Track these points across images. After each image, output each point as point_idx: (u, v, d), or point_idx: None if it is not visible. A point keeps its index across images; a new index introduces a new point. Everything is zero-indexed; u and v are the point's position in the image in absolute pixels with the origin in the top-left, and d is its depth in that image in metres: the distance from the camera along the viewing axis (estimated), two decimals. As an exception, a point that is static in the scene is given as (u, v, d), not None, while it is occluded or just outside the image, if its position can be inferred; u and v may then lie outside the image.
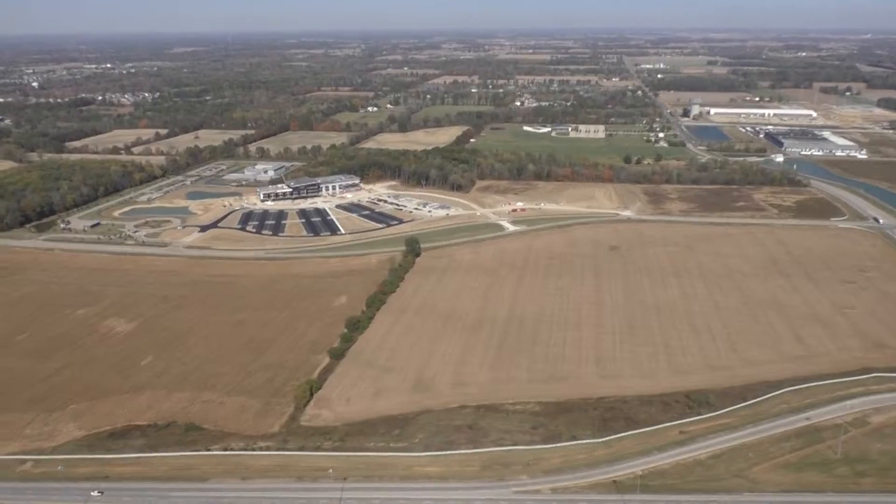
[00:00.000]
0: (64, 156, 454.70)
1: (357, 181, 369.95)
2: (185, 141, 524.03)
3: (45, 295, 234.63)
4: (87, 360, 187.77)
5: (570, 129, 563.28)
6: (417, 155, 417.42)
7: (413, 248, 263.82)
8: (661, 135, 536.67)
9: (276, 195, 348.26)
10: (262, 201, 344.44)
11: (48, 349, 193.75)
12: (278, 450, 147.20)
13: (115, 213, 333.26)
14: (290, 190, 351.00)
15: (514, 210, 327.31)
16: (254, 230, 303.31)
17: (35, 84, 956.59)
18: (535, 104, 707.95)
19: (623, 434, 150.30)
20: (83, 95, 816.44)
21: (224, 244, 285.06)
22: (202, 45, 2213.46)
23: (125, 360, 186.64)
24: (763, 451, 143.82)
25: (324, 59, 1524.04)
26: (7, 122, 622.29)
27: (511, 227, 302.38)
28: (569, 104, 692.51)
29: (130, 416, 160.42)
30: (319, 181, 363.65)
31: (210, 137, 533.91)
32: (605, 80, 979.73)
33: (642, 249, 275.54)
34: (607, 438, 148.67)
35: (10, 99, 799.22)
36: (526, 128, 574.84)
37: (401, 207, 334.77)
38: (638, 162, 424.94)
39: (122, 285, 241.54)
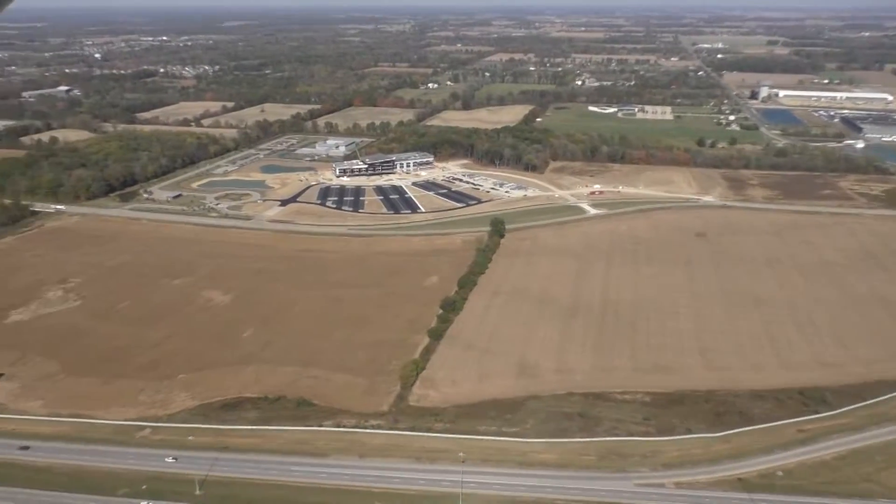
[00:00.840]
0: (137, 127, 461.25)
1: (431, 159, 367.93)
2: (251, 114, 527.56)
3: (140, 264, 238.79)
4: (190, 330, 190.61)
5: (636, 109, 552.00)
6: (489, 134, 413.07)
7: (498, 229, 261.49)
8: (731, 117, 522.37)
9: (352, 171, 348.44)
10: (338, 177, 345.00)
11: (151, 318, 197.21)
12: (390, 429, 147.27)
13: (194, 185, 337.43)
14: (366, 166, 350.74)
15: (593, 193, 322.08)
16: (334, 206, 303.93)
17: (98, 56, 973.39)
18: (596, 84, 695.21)
19: (739, 430, 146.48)
20: (145, 67, 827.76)
21: (307, 219, 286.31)
22: (252, 18, 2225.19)
23: (227, 332, 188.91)
24: (891, 455, 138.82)
25: (375, 34, 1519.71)
26: (76, 92, 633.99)
27: (592, 211, 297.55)
28: (631, 84, 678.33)
29: (240, 388, 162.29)
30: (394, 158, 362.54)
31: (275, 111, 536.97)
32: (664, 60, 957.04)
33: (730, 237, 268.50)
34: (724, 433, 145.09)
35: (75, 70, 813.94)
36: (591, 108, 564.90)
37: (477, 187, 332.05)
38: (712, 145, 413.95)
39: (214, 257, 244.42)
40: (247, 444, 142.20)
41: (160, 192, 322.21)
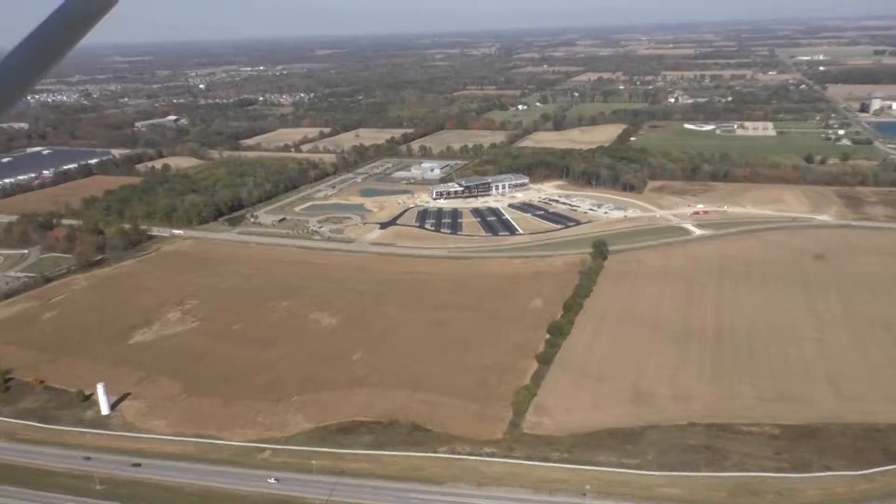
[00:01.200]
0: (241, 153, 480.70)
1: (526, 180, 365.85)
2: (346, 139, 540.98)
3: (250, 286, 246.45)
4: (301, 352, 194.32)
5: (735, 126, 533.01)
6: (584, 154, 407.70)
7: (601, 250, 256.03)
8: (841, 132, 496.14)
9: (448, 193, 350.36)
10: (435, 199, 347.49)
11: (264, 339, 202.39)
12: (504, 457, 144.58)
13: (297, 209, 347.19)
14: (462, 188, 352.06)
15: (697, 213, 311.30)
16: (432, 228, 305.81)
17: (202, 86, 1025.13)
18: (689, 101, 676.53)
19: (885, 468, 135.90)
20: (245, 96, 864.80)
21: (407, 242, 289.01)
22: (340, 46, 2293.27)
23: (337, 355, 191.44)
24: None
25: (461, 58, 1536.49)
26: (183, 121, 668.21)
27: (697, 231, 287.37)
28: (728, 100, 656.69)
29: (354, 411, 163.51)
30: (489, 180, 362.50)
31: (370, 136, 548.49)
32: (760, 74, 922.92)
33: (852, 258, 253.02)
34: (869, 472, 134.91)
35: (181, 100, 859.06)
36: (687, 125, 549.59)
37: (574, 208, 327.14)
38: (822, 162, 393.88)
39: (319, 280, 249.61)
40: (364, 469, 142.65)
41: (265, 216, 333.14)
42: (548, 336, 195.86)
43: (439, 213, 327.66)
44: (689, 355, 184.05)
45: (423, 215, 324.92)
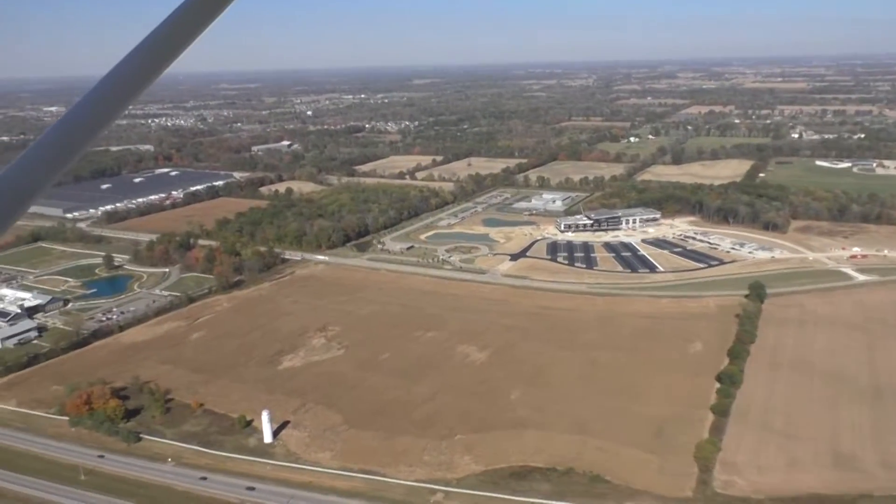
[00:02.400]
0: (360, 179, 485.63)
1: (657, 215, 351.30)
2: (458, 167, 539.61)
3: (389, 314, 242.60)
4: (455, 386, 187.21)
5: (874, 164, 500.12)
6: (716, 189, 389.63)
7: (758, 293, 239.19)
8: None
9: (577, 226, 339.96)
10: (563, 232, 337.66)
11: (414, 371, 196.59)
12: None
13: (422, 237, 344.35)
14: (591, 221, 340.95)
15: (854, 256, 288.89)
16: (565, 262, 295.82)
17: (309, 113, 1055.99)
18: (815, 136, 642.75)
19: None
20: (352, 123, 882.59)
21: (541, 275, 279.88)
22: (437, 76, 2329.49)
23: (492, 391, 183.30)
24: None
25: (559, 88, 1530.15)
26: (296, 146, 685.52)
27: (860, 276, 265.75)
28: (859, 137, 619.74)
29: (521, 454, 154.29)
30: (619, 213, 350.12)
31: (481, 165, 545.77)
32: (887, 110, 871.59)
33: None
34: None
35: (291, 126, 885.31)
36: (819, 162, 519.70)
37: (714, 246, 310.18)
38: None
39: (458, 311, 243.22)
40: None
41: (392, 242, 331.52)
42: (718, 385, 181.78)
43: (570, 246, 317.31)
44: (888, 416, 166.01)
45: (554, 248, 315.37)
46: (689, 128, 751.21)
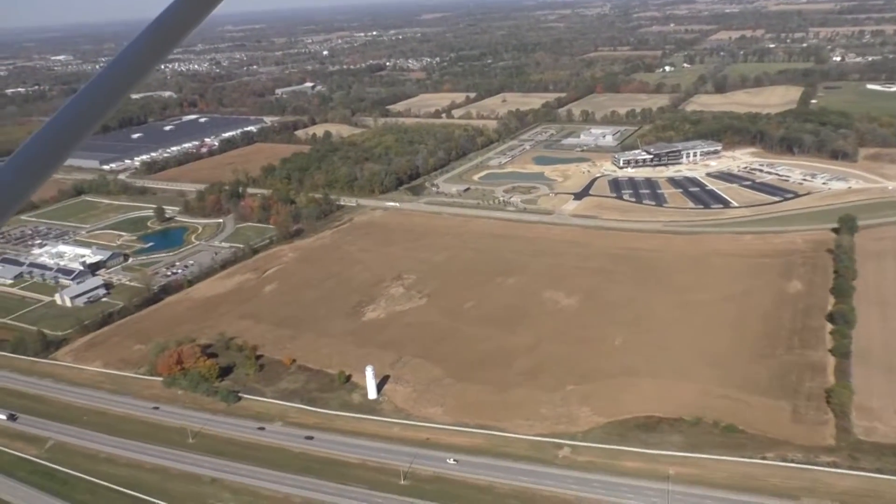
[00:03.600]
0: (396, 120, 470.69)
1: (719, 147, 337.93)
2: (493, 104, 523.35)
3: (463, 260, 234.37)
4: (553, 334, 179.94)
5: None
6: (775, 118, 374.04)
7: (850, 226, 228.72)
8: None
9: (636, 162, 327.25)
10: (621, 168, 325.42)
11: (505, 319, 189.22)
12: (850, 468, 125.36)
13: (475, 177, 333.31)
14: (651, 156, 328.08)
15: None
16: (632, 199, 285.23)
17: (325, 53, 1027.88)
18: (857, 59, 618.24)
19: None
20: (372, 62, 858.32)
21: (611, 214, 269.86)
22: (446, 10, 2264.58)
23: (594, 339, 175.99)
24: None
25: (576, 18, 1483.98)
26: (320, 88, 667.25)
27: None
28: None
29: (641, 404, 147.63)
30: (679, 147, 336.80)
31: (517, 101, 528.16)
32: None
33: None
34: None
35: (309, 67, 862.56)
36: (870, 86, 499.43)
37: (784, 178, 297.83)
38: None
39: (534, 255, 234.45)
40: (689, 476, 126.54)
41: (446, 185, 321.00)
42: (831, 326, 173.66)
43: (633, 182, 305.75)
44: None
45: (617, 185, 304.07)
46: (723, 54, 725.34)
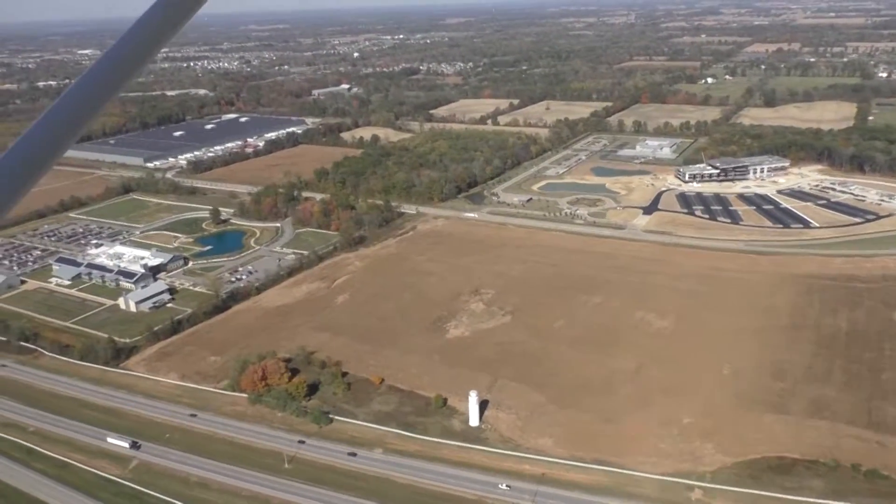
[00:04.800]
0: (443, 125, 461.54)
1: (786, 164, 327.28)
2: (536, 111, 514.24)
3: (541, 276, 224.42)
4: (653, 359, 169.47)
5: None
6: (840, 135, 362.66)
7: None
8: None
9: (702, 176, 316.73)
10: (687, 182, 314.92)
11: (598, 341, 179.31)
12: None
13: (534, 188, 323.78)
14: (717, 171, 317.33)
15: None
16: (705, 216, 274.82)
17: (356, 55, 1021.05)
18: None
19: None
20: (404, 65, 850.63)
21: (686, 230, 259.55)
22: (469, 15, 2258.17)
23: (698, 366, 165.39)
24: None
25: (604, 27, 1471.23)
26: (356, 90, 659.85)
27: None
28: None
29: (770, 444, 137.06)
30: (746, 162, 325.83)
31: (559, 108, 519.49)
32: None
33: None
34: None
35: (342, 69, 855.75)
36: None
37: (859, 198, 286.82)
38: None
39: (616, 271, 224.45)
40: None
41: (506, 194, 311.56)
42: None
43: (702, 198, 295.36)
44: None
45: (685, 200, 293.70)
46: (763, 67, 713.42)
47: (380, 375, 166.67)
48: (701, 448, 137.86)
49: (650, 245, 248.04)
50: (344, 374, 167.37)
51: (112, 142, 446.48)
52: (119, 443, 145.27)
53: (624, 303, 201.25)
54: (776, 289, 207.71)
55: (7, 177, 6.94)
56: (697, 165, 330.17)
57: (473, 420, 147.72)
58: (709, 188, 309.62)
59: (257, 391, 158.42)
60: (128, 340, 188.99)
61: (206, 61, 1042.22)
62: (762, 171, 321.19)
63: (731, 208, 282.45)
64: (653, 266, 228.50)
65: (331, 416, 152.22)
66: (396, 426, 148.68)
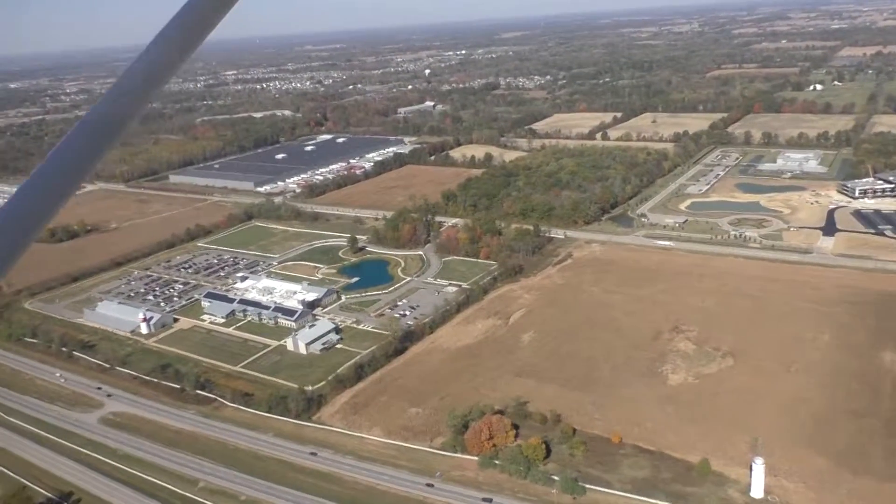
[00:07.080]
0: (554, 142, 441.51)
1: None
2: (642, 124, 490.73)
3: (739, 309, 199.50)
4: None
5: None
6: None
7: None
8: None
9: (873, 191, 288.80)
10: (857, 198, 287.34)
11: (854, 393, 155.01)
12: None
13: (681, 207, 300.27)
14: (891, 186, 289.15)
15: None
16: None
17: (427, 72, 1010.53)
18: None
19: None
20: (480, 80, 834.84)
21: (885, 254, 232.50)
22: (521, 28, 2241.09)
23: None
24: None
25: (672, 36, 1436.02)
26: (440, 107, 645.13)
27: None
28: None
29: None
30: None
31: (666, 121, 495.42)
32: None
33: None
34: None
35: (418, 86, 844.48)
36: None
37: None
38: None
39: (829, 304, 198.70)
40: None
41: (655, 215, 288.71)
42: None
43: (884, 216, 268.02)
44: None
45: (866, 219, 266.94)
46: (869, 72, 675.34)
47: (615, 432, 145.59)
48: None
49: (852, 272, 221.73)
50: (573, 431, 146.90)
51: (216, 166, 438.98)
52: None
53: (860, 342, 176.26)
54: None
55: (10, 231, 6.45)
56: (865, 180, 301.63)
57: (757, 491, 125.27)
58: (886, 205, 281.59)
59: (485, 453, 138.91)
60: (310, 388, 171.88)
61: (276, 82, 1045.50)
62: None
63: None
64: (869, 297, 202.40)
65: (580, 483, 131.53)
66: (665, 498, 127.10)
